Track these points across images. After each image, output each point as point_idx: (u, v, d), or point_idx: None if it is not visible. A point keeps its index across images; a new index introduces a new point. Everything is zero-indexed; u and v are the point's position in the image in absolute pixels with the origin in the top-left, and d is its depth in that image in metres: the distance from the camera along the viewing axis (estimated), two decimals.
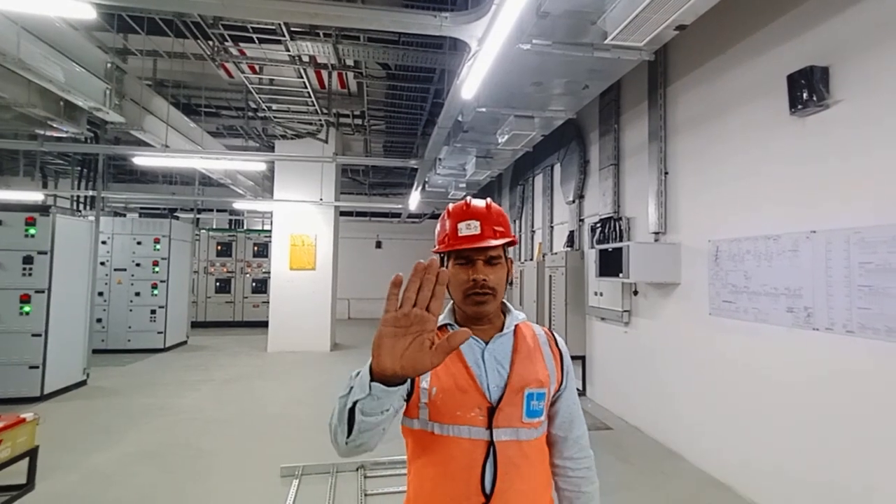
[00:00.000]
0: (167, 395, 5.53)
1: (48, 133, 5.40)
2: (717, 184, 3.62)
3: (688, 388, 3.85)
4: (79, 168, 9.28)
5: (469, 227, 1.05)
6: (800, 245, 2.84)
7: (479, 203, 1.11)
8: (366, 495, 3.14)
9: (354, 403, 0.79)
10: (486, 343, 1.07)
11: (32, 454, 3.17)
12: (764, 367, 3.10)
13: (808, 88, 2.72)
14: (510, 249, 1.16)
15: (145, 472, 3.49)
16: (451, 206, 1.13)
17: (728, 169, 3.51)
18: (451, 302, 1.14)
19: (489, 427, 0.98)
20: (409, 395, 1.03)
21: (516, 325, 1.12)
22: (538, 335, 1.14)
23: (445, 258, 1.11)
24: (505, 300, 1.14)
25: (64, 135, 5.42)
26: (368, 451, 0.88)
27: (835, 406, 2.62)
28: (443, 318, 1.12)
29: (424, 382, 1.03)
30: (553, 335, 1.16)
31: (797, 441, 2.83)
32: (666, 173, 4.21)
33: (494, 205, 1.12)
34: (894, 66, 2.38)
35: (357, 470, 3.45)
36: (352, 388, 0.82)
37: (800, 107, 2.79)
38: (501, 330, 1.10)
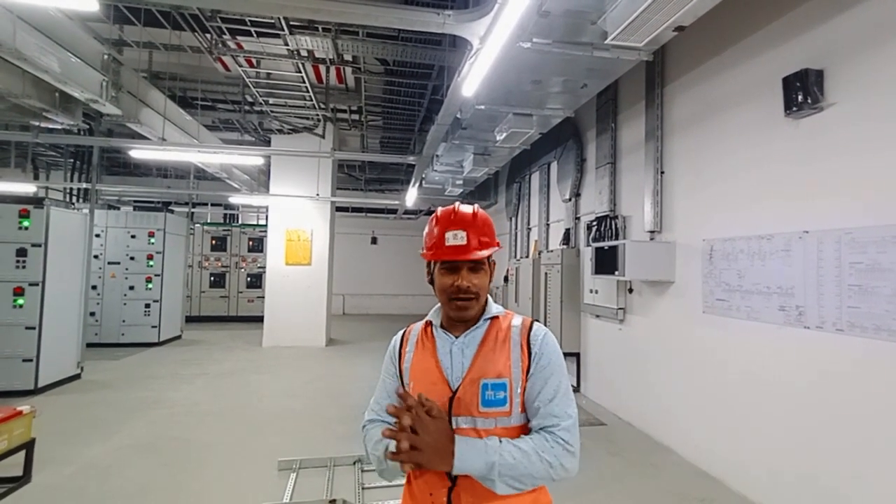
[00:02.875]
0: (162, 389, 5.52)
1: (42, 124, 5.34)
2: (712, 183, 3.67)
3: (680, 384, 3.92)
4: (72, 160, 9.17)
5: (456, 238, 1.11)
6: (792, 245, 2.90)
7: (467, 210, 1.16)
8: (363, 488, 3.16)
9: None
10: (457, 337, 1.14)
11: (29, 446, 3.17)
12: (755, 364, 3.17)
13: (803, 91, 2.77)
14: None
15: (142, 465, 3.50)
16: (439, 210, 1.19)
17: (723, 169, 3.56)
18: (439, 303, 1.20)
19: (450, 414, 1.05)
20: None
21: (492, 319, 1.17)
22: (513, 327, 1.15)
23: (432, 263, 1.17)
24: (489, 296, 1.20)
25: (58, 126, 5.36)
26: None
27: (824, 402, 2.68)
28: (428, 316, 1.23)
29: (406, 378, 1.15)
30: (531, 325, 1.16)
31: (786, 436, 2.90)
32: (662, 172, 4.26)
33: (481, 212, 1.17)
34: (887, 70, 2.43)
35: (354, 464, 3.47)
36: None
37: (794, 109, 2.84)
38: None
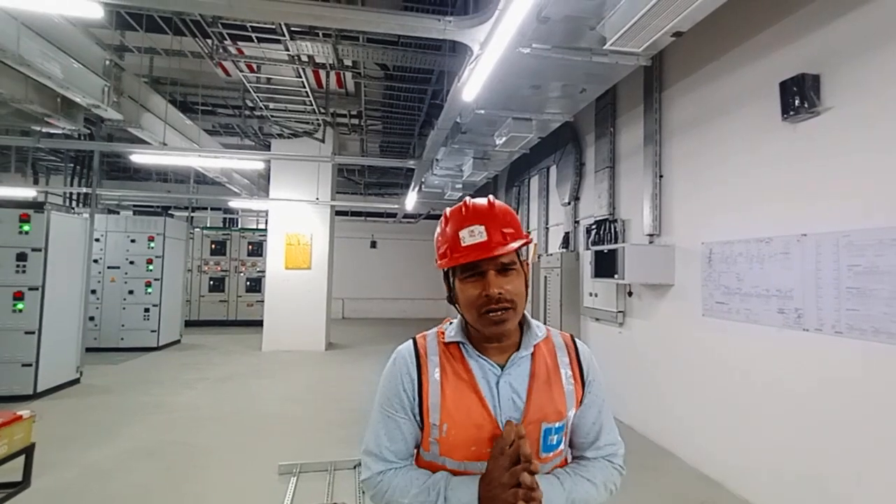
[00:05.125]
0: (162, 393, 5.51)
1: (44, 129, 5.36)
2: (710, 187, 3.69)
3: (680, 387, 3.92)
4: (72, 165, 9.19)
5: (473, 235, 0.91)
6: (791, 248, 2.92)
7: (481, 202, 0.97)
8: (363, 492, 3.16)
9: None
10: (502, 367, 0.96)
11: (29, 451, 3.16)
12: (755, 367, 3.18)
13: (800, 95, 2.80)
14: (524, 250, 1.01)
15: (142, 469, 3.49)
16: (448, 210, 1.00)
17: (721, 173, 3.58)
18: (459, 317, 1.01)
19: None
20: (420, 428, 0.96)
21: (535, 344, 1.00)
22: (558, 350, 1.02)
23: (450, 274, 0.97)
24: (525, 312, 0.99)
25: (60, 131, 5.38)
26: None
27: (823, 404, 2.69)
28: (452, 335, 0.99)
29: (434, 418, 0.93)
30: (575, 345, 1.04)
31: (787, 438, 2.91)
32: (661, 176, 4.28)
33: (498, 202, 0.99)
34: (883, 74, 2.46)
35: (355, 468, 3.47)
36: None
37: (791, 113, 2.87)
38: (518, 348, 0.98)
